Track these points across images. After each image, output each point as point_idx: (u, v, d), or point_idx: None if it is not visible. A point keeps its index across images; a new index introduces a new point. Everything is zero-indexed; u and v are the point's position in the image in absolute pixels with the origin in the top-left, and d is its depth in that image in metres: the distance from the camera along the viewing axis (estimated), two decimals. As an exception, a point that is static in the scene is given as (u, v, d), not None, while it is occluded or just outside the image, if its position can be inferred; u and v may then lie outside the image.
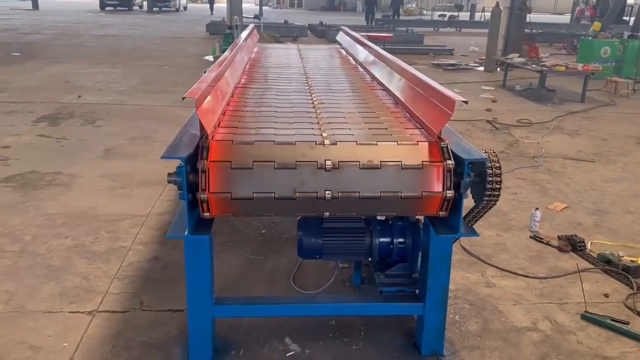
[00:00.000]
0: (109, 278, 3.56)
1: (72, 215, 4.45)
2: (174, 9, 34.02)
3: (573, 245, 4.13)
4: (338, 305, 2.91)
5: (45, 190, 4.97)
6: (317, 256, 3.02)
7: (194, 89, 2.35)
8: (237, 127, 2.59)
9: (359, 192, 2.35)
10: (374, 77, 4.15)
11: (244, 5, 15.35)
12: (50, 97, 8.75)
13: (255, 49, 5.66)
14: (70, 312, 3.19)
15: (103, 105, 8.36)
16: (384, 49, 4.72)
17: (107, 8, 33.15)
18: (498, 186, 2.47)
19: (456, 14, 34.55)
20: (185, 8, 35.97)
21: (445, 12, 36.89)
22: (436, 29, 27.04)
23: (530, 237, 4.37)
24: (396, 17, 29.61)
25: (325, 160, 2.33)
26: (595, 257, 4.01)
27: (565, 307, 3.41)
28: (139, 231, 4.24)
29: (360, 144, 2.45)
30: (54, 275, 3.57)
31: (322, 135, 2.53)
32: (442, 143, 2.45)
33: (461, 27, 27.85)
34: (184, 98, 2.23)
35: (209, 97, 2.45)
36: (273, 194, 2.30)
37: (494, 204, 2.57)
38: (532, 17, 14.57)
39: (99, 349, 2.88)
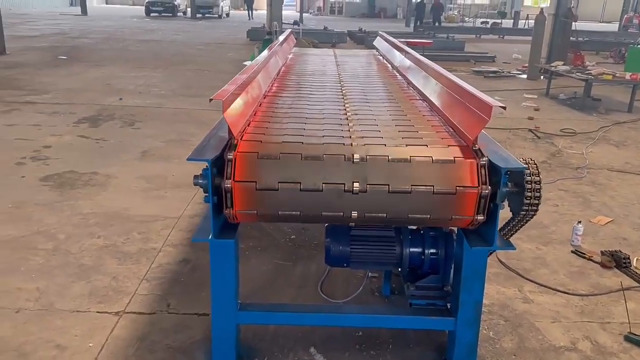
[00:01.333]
0: (138, 279, 3.57)
1: (106, 216, 4.50)
2: (217, 15, 34.57)
3: (617, 261, 3.92)
4: (365, 317, 2.81)
5: (81, 190, 5.05)
6: (345, 264, 2.94)
7: (222, 91, 2.31)
8: (260, 142, 2.48)
9: (388, 184, 2.25)
10: (410, 84, 4.04)
11: (285, 12, 15.47)
12: (92, 99, 8.95)
13: (290, 55, 5.63)
14: (97, 312, 3.20)
15: (142, 107, 8.50)
16: (422, 55, 4.60)
17: (152, 14, 33.99)
18: (537, 197, 2.34)
19: (499, 21, 33.91)
20: (227, 15, 36.50)
21: (488, 20, 36.26)
22: (478, 36, 26.63)
23: (572, 251, 4.17)
24: (437, 24, 29.29)
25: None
26: (642, 274, 3.79)
27: (607, 327, 3.22)
28: (170, 233, 4.25)
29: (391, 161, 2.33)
30: (84, 275, 3.59)
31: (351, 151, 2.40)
32: (479, 156, 2.31)
33: (504, 35, 27.33)
34: (211, 100, 2.19)
35: (237, 100, 2.41)
36: (299, 184, 2.23)
37: (533, 217, 2.43)
38: (578, 25, 14.11)
39: (123, 350, 2.86)
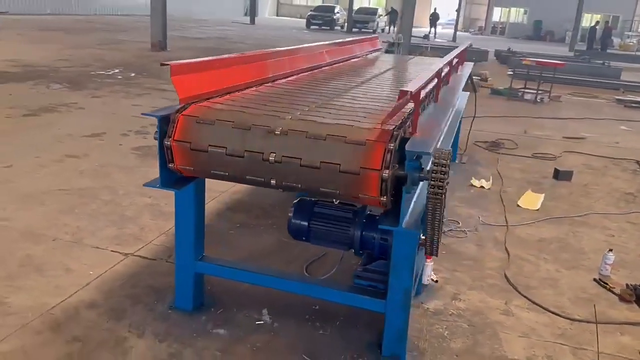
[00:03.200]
0: (159, 232, 4.08)
1: (165, 182, 5.14)
2: (372, 30, 35.53)
3: (638, 296, 3.55)
4: (304, 285, 2.99)
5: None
6: (304, 238, 3.14)
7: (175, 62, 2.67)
8: (208, 107, 2.68)
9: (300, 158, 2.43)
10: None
11: (444, 30, 15.40)
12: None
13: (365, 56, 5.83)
14: (112, 250, 3.76)
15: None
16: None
17: (312, 27, 36.02)
18: (439, 187, 2.28)
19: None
20: (382, 30, 37.30)
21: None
22: (648, 66, 24.00)
23: (594, 279, 3.84)
24: (602, 50, 27.06)
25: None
26: (660, 313, 3.40)
27: (578, 353, 2.99)
28: (208, 203, 4.72)
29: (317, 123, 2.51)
30: (120, 223, 4.21)
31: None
32: (392, 140, 2.36)
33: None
34: (162, 64, 2.59)
35: (194, 71, 2.75)
36: (225, 149, 2.51)
37: (438, 207, 2.37)
38: None
39: (112, 281, 3.37)
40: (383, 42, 17.44)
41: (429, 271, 3.55)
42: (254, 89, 3.24)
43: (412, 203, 2.61)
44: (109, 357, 2.68)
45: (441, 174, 2.28)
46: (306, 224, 3.08)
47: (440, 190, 2.29)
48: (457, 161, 6.59)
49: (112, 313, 3.05)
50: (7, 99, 8.16)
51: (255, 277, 3.06)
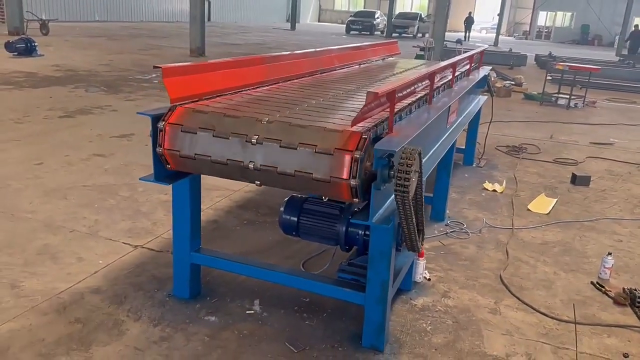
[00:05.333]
0: (170, 227, 4.30)
1: (182, 181, 5.39)
2: (412, 35, 35.45)
3: (632, 299, 3.53)
4: (292, 277, 3.13)
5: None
6: (294, 233, 3.29)
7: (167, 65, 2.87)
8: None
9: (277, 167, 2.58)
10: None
11: (486, 34, 15.19)
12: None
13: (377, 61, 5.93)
14: (123, 242, 4.01)
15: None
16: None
17: (352, 32, 36.18)
18: (403, 185, 2.36)
19: None
20: (423, 34, 37.11)
21: None
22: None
23: (591, 282, 3.84)
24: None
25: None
26: (652, 317, 3.38)
27: (560, 352, 3.02)
28: (220, 200, 4.95)
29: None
30: (135, 217, 4.47)
31: None
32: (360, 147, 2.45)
33: None
34: (155, 67, 2.80)
35: (185, 73, 2.93)
36: (213, 131, 2.69)
37: (406, 204, 2.46)
38: None
39: (119, 270, 3.60)
40: (414, 46, 17.50)
41: (421, 269, 3.64)
42: (246, 91, 3.41)
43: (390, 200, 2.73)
44: (105, 338, 2.90)
45: (406, 173, 2.38)
46: (296, 219, 3.23)
47: (405, 188, 2.39)
48: (474, 165, 6.60)
49: (115, 298, 3.28)
50: (47, 101, 8.66)
51: (247, 268, 3.23)
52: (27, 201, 4.62)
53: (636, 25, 27.99)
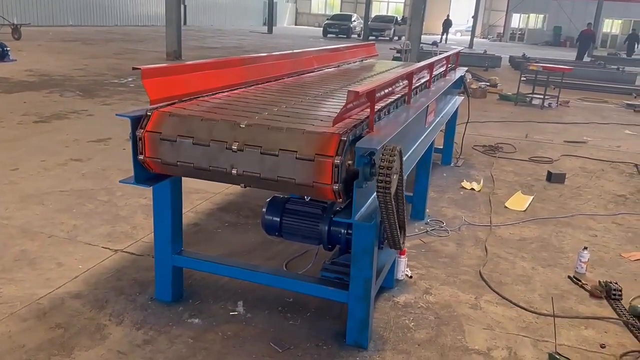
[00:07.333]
0: (150, 231, 4.27)
1: (162, 184, 5.35)
2: (388, 38, 35.73)
3: (608, 292, 3.62)
4: (274, 277, 3.13)
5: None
6: (277, 233, 3.30)
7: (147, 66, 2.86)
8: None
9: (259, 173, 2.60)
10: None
11: (462, 37, 15.37)
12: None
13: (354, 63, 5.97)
14: (103, 247, 3.97)
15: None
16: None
17: (329, 35, 36.33)
18: (384, 182, 2.39)
19: None
20: (399, 37, 37.42)
21: None
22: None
23: (568, 276, 3.92)
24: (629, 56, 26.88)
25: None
26: (627, 309, 3.47)
27: (539, 344, 3.08)
28: (201, 203, 4.93)
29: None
30: (114, 221, 4.42)
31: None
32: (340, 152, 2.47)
33: None
34: (134, 68, 2.79)
35: (163, 75, 2.92)
36: (193, 139, 2.68)
37: (388, 202, 2.49)
38: None
39: (99, 274, 3.57)
40: (391, 49, 17.62)
41: (403, 267, 3.68)
42: (226, 93, 3.40)
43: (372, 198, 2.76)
44: (88, 342, 2.87)
45: (387, 169, 2.41)
46: (278, 219, 3.24)
47: (387, 185, 2.42)
48: (452, 164, 6.69)
49: (96, 303, 3.24)
50: (21, 106, 8.52)
51: (230, 270, 3.23)
52: (3, 207, 4.54)
53: (589, 24, 26.58)
